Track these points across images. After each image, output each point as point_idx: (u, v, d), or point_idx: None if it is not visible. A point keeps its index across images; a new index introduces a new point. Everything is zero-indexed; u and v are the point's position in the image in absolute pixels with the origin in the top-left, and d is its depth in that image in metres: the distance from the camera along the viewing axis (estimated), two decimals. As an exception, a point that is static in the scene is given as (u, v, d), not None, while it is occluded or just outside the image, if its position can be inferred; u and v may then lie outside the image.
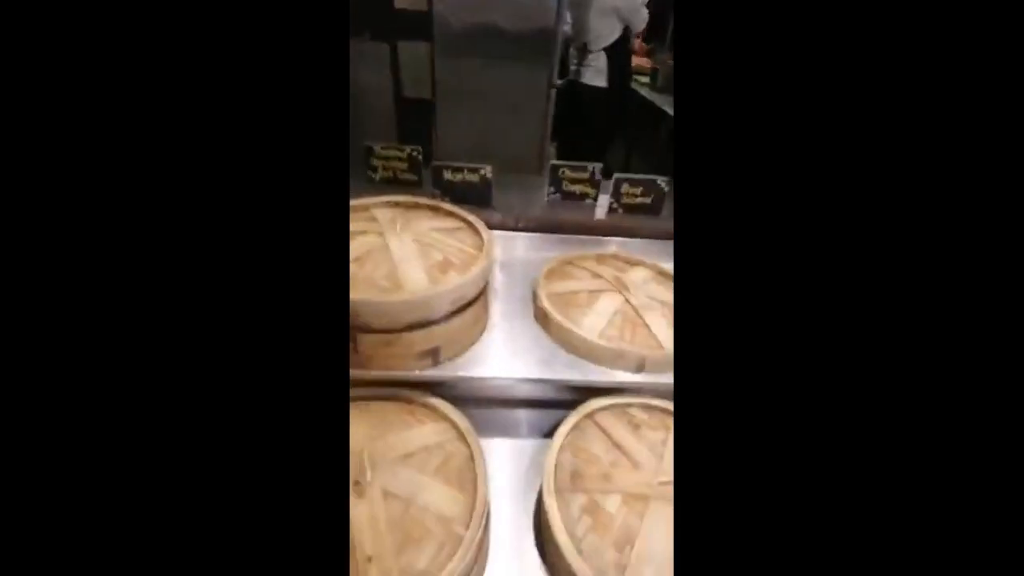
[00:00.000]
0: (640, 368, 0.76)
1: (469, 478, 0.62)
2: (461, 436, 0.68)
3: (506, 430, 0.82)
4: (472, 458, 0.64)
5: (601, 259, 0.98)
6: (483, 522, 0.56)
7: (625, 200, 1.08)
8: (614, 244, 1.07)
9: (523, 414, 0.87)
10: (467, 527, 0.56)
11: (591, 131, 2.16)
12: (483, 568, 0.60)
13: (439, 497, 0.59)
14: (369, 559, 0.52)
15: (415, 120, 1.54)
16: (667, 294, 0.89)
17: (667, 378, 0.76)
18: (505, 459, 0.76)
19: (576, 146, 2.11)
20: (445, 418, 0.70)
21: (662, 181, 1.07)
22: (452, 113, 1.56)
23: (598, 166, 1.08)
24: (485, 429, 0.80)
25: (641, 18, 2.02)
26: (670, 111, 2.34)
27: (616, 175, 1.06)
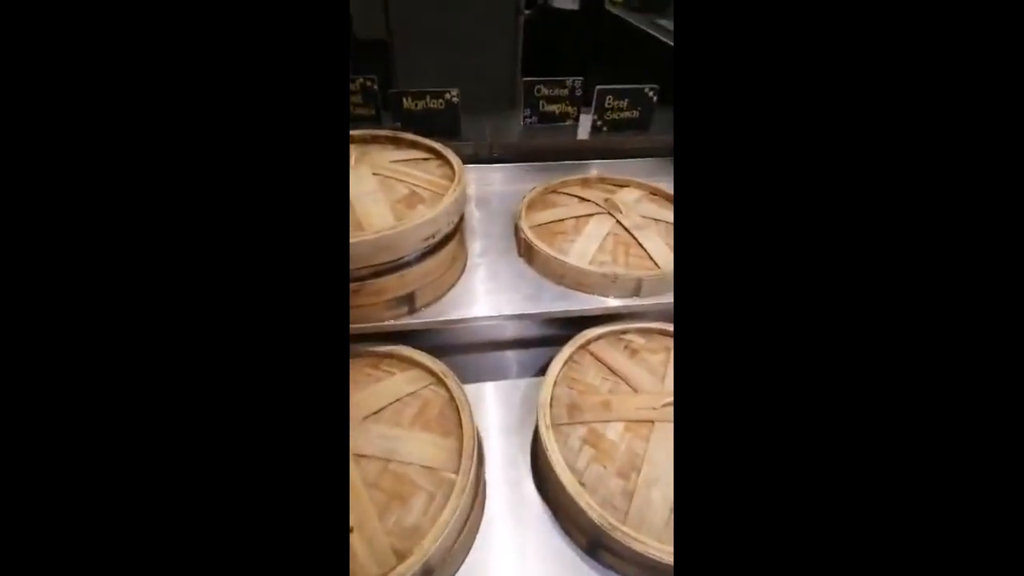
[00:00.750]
0: (636, 291, 0.71)
1: (453, 421, 0.58)
2: (438, 380, 0.62)
3: (495, 373, 0.77)
4: (453, 400, 0.60)
5: (587, 183, 0.90)
6: (474, 463, 0.52)
7: (610, 116, 0.98)
8: (598, 168, 0.99)
9: (512, 356, 0.82)
10: (457, 471, 0.52)
11: (565, 58, 2.00)
12: (481, 513, 0.57)
13: (420, 447, 0.54)
14: (350, 530, 0.47)
15: (372, 63, 1.39)
16: (662, 212, 0.82)
17: (666, 299, 0.71)
18: (495, 402, 0.72)
19: (552, 74, 1.97)
20: (416, 364, 0.64)
21: (649, 89, 0.97)
22: (413, 52, 1.41)
23: (578, 80, 0.97)
24: (473, 375, 0.76)
25: None
26: (648, 30, 2.16)
27: (599, 87, 0.96)
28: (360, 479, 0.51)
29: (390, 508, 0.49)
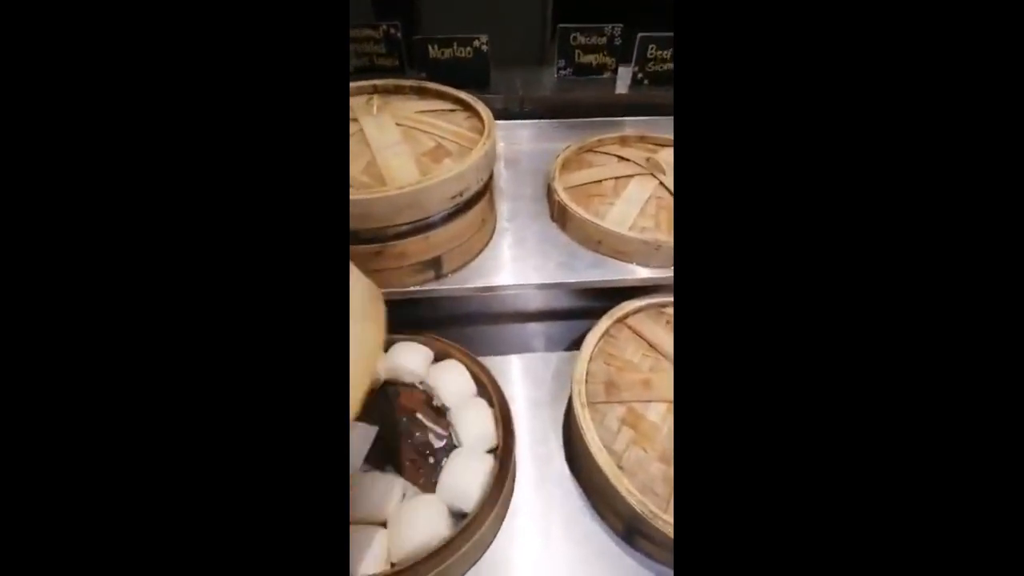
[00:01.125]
0: (680, 262, 0.64)
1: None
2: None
3: (521, 346, 0.73)
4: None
5: (626, 141, 0.82)
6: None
7: (652, 67, 0.88)
8: (639, 125, 0.90)
9: (540, 328, 0.77)
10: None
11: (603, 2, 1.85)
12: (512, 487, 0.54)
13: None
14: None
15: (395, 9, 1.30)
16: (708, 176, 0.75)
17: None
18: (522, 375, 0.68)
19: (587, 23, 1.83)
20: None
21: (697, 39, 0.87)
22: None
23: (618, 27, 0.88)
24: (499, 347, 0.72)
25: None
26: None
27: (641, 34, 0.86)
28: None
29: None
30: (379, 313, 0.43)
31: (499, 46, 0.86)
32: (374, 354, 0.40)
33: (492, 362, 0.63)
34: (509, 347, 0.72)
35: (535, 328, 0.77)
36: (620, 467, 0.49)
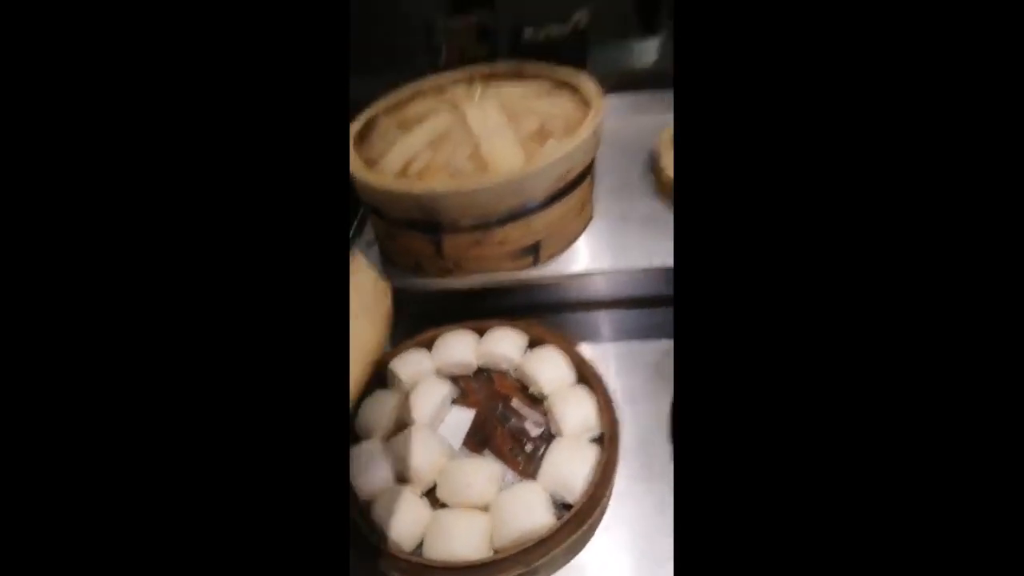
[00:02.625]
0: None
1: None
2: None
3: (632, 333, 0.69)
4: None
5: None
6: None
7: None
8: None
9: (655, 315, 0.72)
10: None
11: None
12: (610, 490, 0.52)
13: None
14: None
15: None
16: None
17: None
18: (621, 365, 0.65)
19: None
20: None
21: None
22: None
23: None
24: (605, 334, 0.69)
25: None
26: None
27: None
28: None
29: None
30: (382, 308, 0.42)
31: (597, 15, 0.81)
32: (371, 351, 0.39)
33: (594, 349, 0.60)
34: (620, 333, 0.69)
35: (649, 315, 0.73)
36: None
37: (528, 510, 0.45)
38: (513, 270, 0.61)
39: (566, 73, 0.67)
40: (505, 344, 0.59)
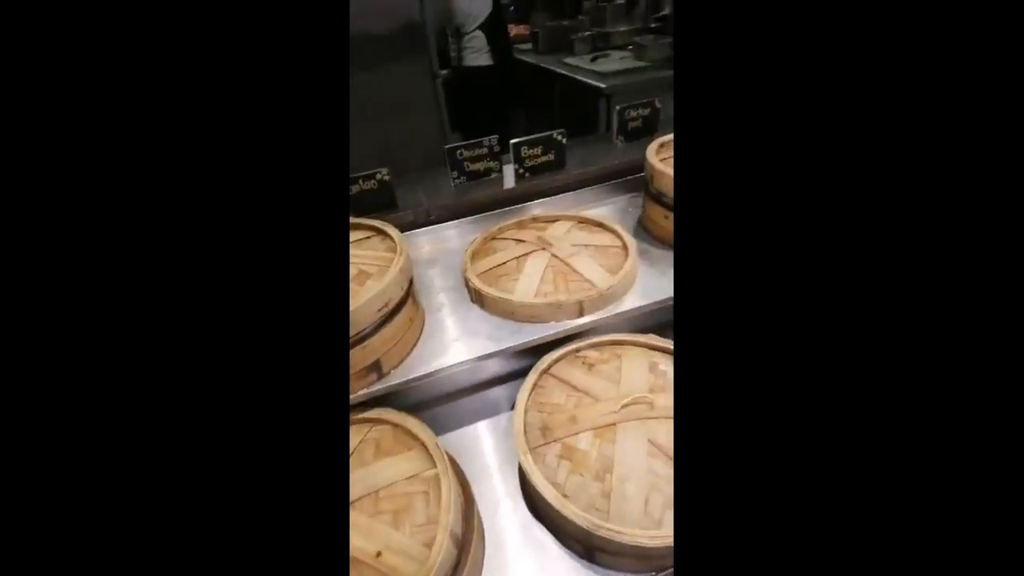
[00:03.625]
0: (580, 312, 0.78)
1: (406, 442, 0.66)
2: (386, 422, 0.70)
3: (487, 412, 0.85)
4: (399, 426, 0.68)
5: (521, 225, 1.00)
6: (444, 454, 0.60)
7: (528, 163, 1.10)
8: (529, 209, 1.10)
9: (498, 392, 0.88)
10: (434, 465, 0.60)
11: (487, 110, 2.17)
12: (481, 532, 0.61)
13: (394, 469, 0.62)
14: (378, 554, 0.53)
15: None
16: (589, 237, 0.92)
17: (607, 312, 0.79)
18: (490, 440, 0.79)
19: (478, 127, 2.13)
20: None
21: (557, 134, 1.09)
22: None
23: (493, 138, 1.09)
24: (464, 419, 0.82)
25: None
26: (558, 70, 2.39)
27: (512, 140, 1.07)
28: (363, 517, 0.56)
29: (399, 520, 0.56)
30: None
31: (402, 164, 1.03)
32: None
33: (463, 433, 0.76)
34: (476, 415, 0.84)
35: (494, 393, 0.89)
36: (565, 495, 0.58)
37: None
38: (360, 388, 0.71)
39: (375, 222, 0.85)
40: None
